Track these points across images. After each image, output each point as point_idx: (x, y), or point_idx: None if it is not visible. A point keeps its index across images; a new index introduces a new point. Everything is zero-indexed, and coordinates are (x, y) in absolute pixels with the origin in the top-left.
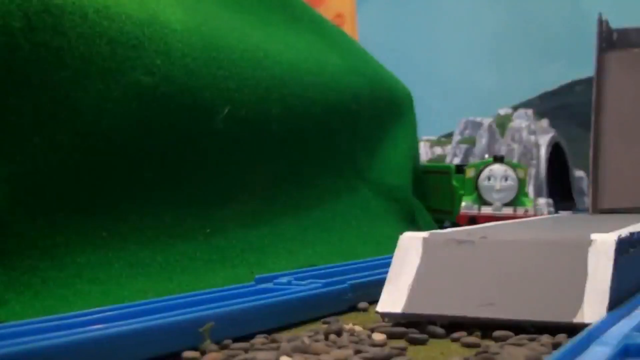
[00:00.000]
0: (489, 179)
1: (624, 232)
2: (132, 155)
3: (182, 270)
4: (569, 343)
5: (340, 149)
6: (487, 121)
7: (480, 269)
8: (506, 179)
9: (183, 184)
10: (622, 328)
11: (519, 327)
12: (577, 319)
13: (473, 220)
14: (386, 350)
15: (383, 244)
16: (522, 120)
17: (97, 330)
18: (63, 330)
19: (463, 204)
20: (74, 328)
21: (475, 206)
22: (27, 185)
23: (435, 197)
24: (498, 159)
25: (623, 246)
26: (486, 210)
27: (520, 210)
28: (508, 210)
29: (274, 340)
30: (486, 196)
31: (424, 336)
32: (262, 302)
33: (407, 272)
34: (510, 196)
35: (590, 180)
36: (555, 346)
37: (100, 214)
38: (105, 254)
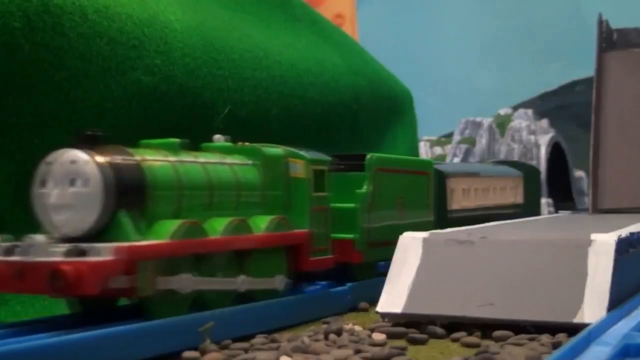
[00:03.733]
0: (43, 182)
1: (624, 232)
2: None
3: None
4: (569, 343)
5: (340, 148)
6: (487, 121)
7: (480, 269)
8: (73, 182)
9: None
10: (621, 328)
11: (519, 327)
12: (577, 319)
13: None
14: (386, 350)
15: None
16: (522, 120)
17: (97, 329)
18: (63, 329)
19: None
20: (73, 327)
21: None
22: (27, 185)
23: None
24: (82, 138)
25: (623, 246)
26: None
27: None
28: (40, 255)
29: (274, 340)
30: (41, 216)
31: (424, 336)
32: (262, 302)
33: (407, 272)
34: (84, 220)
35: (590, 180)
36: (555, 346)
37: None
38: None
